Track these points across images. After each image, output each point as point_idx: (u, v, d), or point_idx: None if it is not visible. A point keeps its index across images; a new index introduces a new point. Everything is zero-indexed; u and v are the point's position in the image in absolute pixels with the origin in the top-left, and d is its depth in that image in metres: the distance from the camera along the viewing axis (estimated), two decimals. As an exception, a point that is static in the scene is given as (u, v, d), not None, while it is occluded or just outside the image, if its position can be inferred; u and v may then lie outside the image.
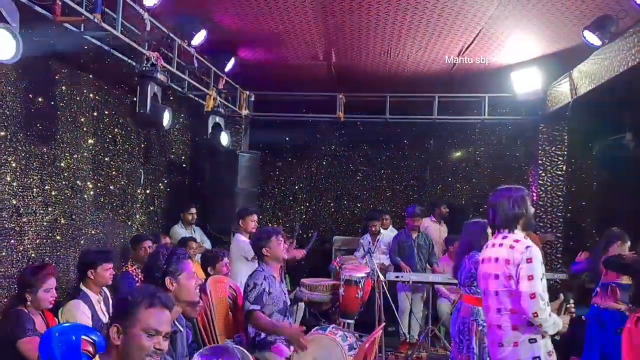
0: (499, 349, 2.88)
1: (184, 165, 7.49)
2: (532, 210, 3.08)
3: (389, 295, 5.85)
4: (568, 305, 3.14)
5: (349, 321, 5.29)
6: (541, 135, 7.49)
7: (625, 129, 7.74)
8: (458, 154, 8.95)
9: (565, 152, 7.50)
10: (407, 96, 7.71)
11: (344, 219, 9.14)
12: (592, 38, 5.13)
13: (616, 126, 7.77)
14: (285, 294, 4.11)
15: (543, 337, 2.85)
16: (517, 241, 2.91)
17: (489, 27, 5.49)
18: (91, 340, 2.45)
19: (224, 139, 6.70)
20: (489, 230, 4.09)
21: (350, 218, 9.09)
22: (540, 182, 7.45)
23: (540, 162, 7.46)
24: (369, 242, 6.91)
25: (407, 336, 6.45)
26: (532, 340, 2.83)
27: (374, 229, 6.93)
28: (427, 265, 6.73)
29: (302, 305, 5.99)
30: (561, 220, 7.47)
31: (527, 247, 2.85)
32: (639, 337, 4.32)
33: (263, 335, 3.93)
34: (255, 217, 5.58)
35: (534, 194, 7.57)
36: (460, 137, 8.80)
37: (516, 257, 2.83)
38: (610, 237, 5.24)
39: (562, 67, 6.41)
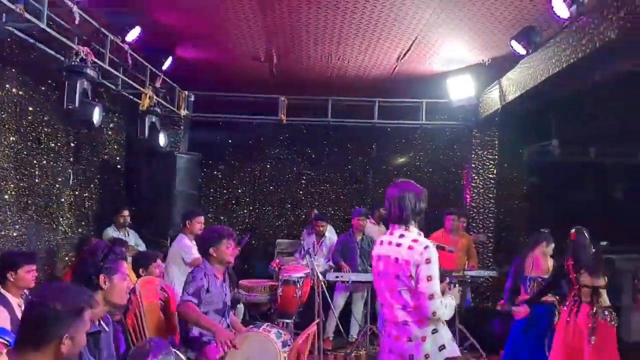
0: (407, 344, 2.89)
1: (118, 166, 7.28)
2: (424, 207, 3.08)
3: (327, 295, 5.92)
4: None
5: (287, 321, 5.31)
6: (474, 140, 7.81)
7: (551, 136, 8.20)
8: (400, 159, 9.14)
9: (496, 157, 7.83)
10: (349, 100, 7.82)
11: (287, 223, 9.13)
12: (519, 47, 5.38)
13: (543, 133, 8.20)
14: (226, 294, 4.07)
15: (442, 325, 2.93)
16: (415, 241, 2.91)
17: (424, 34, 5.66)
18: (5, 342, 2.35)
19: (162, 139, 6.54)
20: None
21: (294, 221, 9.10)
22: (473, 185, 7.74)
23: (473, 165, 7.76)
24: (313, 243, 6.94)
25: (331, 335, 6.51)
26: (435, 331, 2.88)
27: (320, 229, 6.96)
28: (369, 267, 6.83)
29: (241, 307, 5.96)
30: (492, 221, 7.78)
31: (426, 247, 2.87)
32: (572, 330, 4.60)
33: (196, 333, 3.88)
34: (202, 219, 5.43)
35: (468, 197, 7.86)
36: (401, 142, 9.00)
37: (416, 258, 2.84)
38: (537, 238, 5.53)
39: (494, 74, 6.70)
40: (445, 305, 2.86)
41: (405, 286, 2.87)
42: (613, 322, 4.52)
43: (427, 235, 6.38)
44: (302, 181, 9.16)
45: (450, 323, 6.43)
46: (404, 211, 2.97)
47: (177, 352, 3.38)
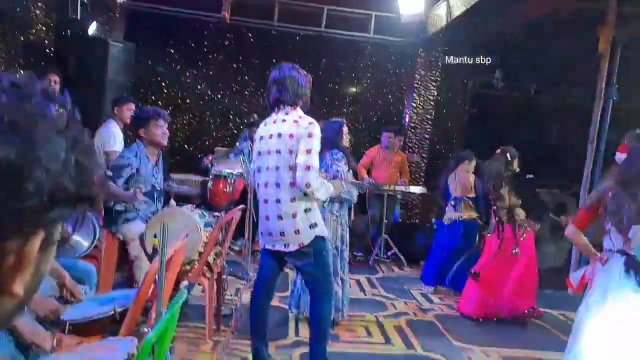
0: (278, 221, 2.93)
1: (46, 50, 6.85)
2: (309, 95, 3.11)
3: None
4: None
5: (216, 214, 5.30)
6: (419, 60, 7.82)
7: (495, 68, 8.31)
8: (346, 73, 9.01)
9: (439, 79, 7.89)
10: (296, 4, 7.55)
11: (228, 134, 9.00)
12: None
13: (488, 64, 8.29)
14: (158, 179, 4.02)
15: (316, 207, 3.00)
16: (301, 117, 2.96)
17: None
18: None
19: (93, 25, 6.17)
20: (345, 129, 4.27)
21: (235, 132, 8.98)
22: (413, 104, 7.83)
23: (415, 85, 7.81)
24: (248, 149, 6.86)
25: None
26: (307, 210, 2.94)
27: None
28: None
29: (173, 202, 5.91)
30: (427, 142, 7.96)
31: (311, 123, 2.92)
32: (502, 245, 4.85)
33: (121, 208, 3.85)
34: (132, 106, 5.16)
35: (407, 117, 7.97)
36: (348, 54, 8.79)
37: (300, 131, 2.88)
38: (459, 157, 5.74)
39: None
40: (322, 183, 2.93)
41: (285, 162, 2.90)
42: (533, 227, 4.92)
43: (363, 151, 6.47)
44: (246, 92, 8.98)
45: (377, 233, 6.72)
46: (289, 93, 2.99)
47: (95, 223, 3.38)
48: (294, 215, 2.92)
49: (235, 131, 8.90)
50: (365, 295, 5.15)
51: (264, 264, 3.21)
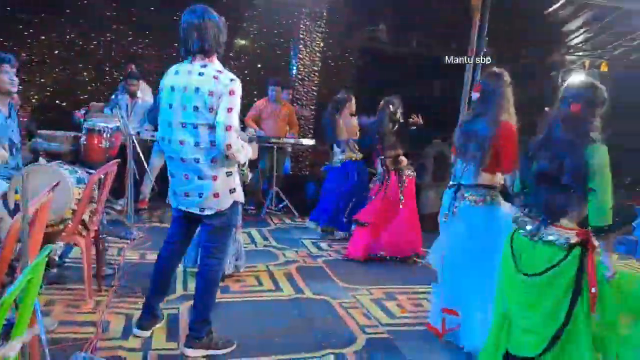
0: (198, 182, 2.75)
1: None
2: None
3: (142, 156, 5.69)
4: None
5: (91, 171, 4.98)
6: (304, 10, 7.73)
7: (381, 20, 8.45)
8: (233, 23, 8.68)
9: (325, 29, 7.88)
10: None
11: (104, 88, 8.40)
12: None
13: (373, 18, 8.41)
14: (13, 130, 3.65)
15: (236, 171, 2.88)
16: (220, 72, 2.70)
17: None
18: None
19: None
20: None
21: (111, 85, 8.39)
22: (300, 56, 7.78)
23: (301, 36, 7.74)
24: (127, 103, 6.47)
25: (148, 196, 6.38)
26: (229, 174, 2.81)
27: (133, 88, 6.43)
28: None
29: (41, 160, 5.45)
30: (315, 94, 8.00)
31: (232, 79, 2.69)
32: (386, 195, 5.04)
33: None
34: None
35: (294, 68, 7.92)
36: (232, 5, 8.46)
37: (220, 88, 2.65)
38: (339, 101, 5.85)
39: None
40: (242, 145, 2.78)
41: (204, 120, 2.68)
42: (412, 173, 5.17)
43: (251, 103, 6.35)
44: (123, 42, 8.39)
45: (268, 186, 6.72)
46: (207, 42, 2.70)
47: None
48: (215, 178, 2.77)
49: (111, 83, 8.34)
50: (257, 247, 5.16)
51: (177, 223, 3.04)
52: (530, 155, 2.44)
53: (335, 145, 5.87)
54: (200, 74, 2.70)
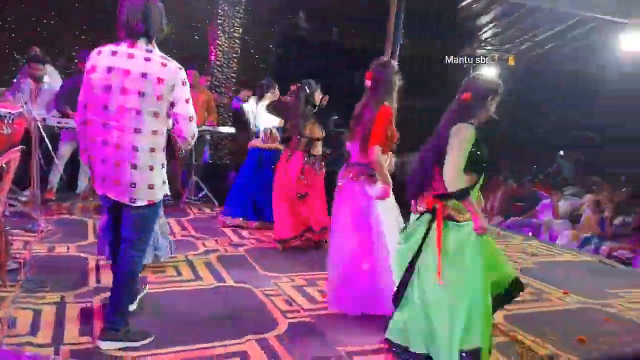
0: (132, 171, 2.63)
1: None
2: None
3: (49, 144, 5.38)
4: None
5: (-8, 160, 4.64)
6: (221, -7, 7.59)
7: (300, 8, 8.46)
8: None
9: (243, 15, 7.78)
10: None
11: (7, 69, 7.81)
12: None
13: (294, 4, 8.41)
14: None
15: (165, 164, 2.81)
16: (166, 59, 2.63)
17: None
18: None
19: None
20: None
21: (15, 68, 7.83)
22: (218, 42, 7.65)
23: (219, 21, 7.60)
24: (30, 89, 6.06)
25: (55, 186, 6.07)
26: (163, 166, 2.76)
27: (38, 72, 5.99)
28: None
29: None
30: (234, 80, 7.90)
31: (180, 68, 2.65)
32: (288, 170, 5.02)
33: None
34: None
35: (213, 54, 7.77)
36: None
37: (170, 77, 2.58)
38: (266, 87, 5.82)
39: None
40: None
41: (150, 107, 2.57)
42: (319, 169, 5.10)
43: None
44: (23, 25, 7.83)
45: (187, 175, 6.57)
46: (151, 26, 2.61)
47: None
48: (151, 168, 2.67)
49: (14, 68, 7.77)
50: (175, 237, 5.03)
51: (111, 214, 2.85)
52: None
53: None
54: (147, 59, 2.59)
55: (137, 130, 2.59)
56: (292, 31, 9.39)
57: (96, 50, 2.67)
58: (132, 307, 3.14)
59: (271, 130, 5.70)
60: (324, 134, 5.25)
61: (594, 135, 12.73)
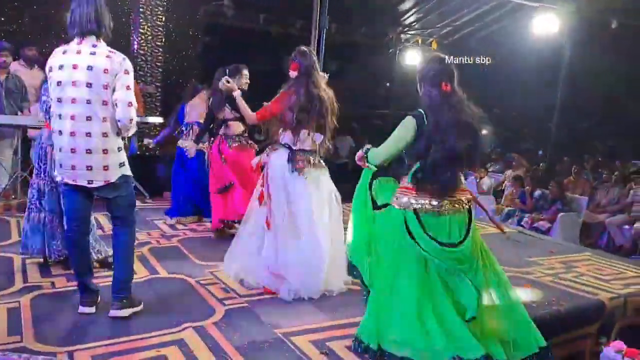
0: (86, 155, 2.88)
1: None
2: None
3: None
4: None
5: None
6: (142, -20, 7.40)
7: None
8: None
9: (165, 3, 7.62)
10: None
11: None
12: None
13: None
14: None
15: (123, 148, 3.05)
16: (112, 51, 2.91)
17: None
18: None
19: None
20: None
21: None
22: (141, 31, 7.47)
23: (141, 10, 7.41)
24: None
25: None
26: (120, 149, 2.99)
27: None
28: (18, 109, 6.04)
29: None
30: (160, 70, 7.75)
31: (124, 58, 2.92)
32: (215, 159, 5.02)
33: None
34: None
35: (135, 44, 7.57)
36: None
37: (114, 67, 2.85)
38: (197, 87, 5.76)
39: None
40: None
41: (98, 96, 2.84)
42: (245, 144, 5.05)
43: None
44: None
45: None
46: (101, 25, 2.91)
47: None
48: (105, 152, 2.91)
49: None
50: (104, 231, 4.92)
51: (71, 199, 3.07)
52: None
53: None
54: (92, 53, 2.86)
55: (88, 118, 2.86)
56: (217, 19, 9.27)
57: (53, 53, 2.96)
58: None
59: (192, 126, 5.62)
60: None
61: (515, 112, 13.52)
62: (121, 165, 2.99)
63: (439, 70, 2.74)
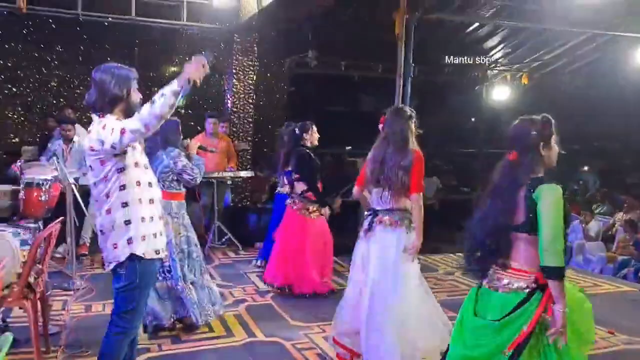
0: (100, 236, 2.68)
1: None
2: (136, 96, 2.67)
3: (80, 200, 5.63)
4: None
5: (32, 225, 4.92)
6: (235, 46, 7.97)
7: (309, 47, 8.75)
8: (163, 61, 8.80)
9: (256, 63, 8.11)
10: (101, -8, 7.17)
11: (35, 128, 8.25)
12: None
13: (302, 45, 8.70)
14: None
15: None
16: (99, 123, 2.56)
17: None
18: None
19: None
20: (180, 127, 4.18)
21: (43, 127, 8.25)
22: (234, 90, 7.96)
23: (234, 71, 7.94)
24: (62, 149, 6.37)
25: (88, 241, 6.25)
26: (128, 223, 2.60)
27: (68, 133, 6.32)
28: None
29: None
30: (252, 125, 8.18)
31: (100, 121, 2.56)
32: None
33: None
34: None
35: (229, 102, 8.09)
36: (163, 43, 8.62)
37: (97, 136, 2.51)
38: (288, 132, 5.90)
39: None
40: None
41: (100, 174, 2.56)
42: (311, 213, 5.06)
43: (188, 136, 6.20)
44: (53, 83, 8.29)
45: (210, 221, 6.76)
46: (96, 100, 2.61)
47: None
48: (112, 228, 2.61)
49: (40, 123, 8.22)
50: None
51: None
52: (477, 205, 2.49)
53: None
54: (89, 131, 2.63)
55: (96, 200, 2.66)
56: (302, 69, 9.66)
57: None
58: None
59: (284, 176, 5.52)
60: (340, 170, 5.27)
61: (617, 145, 12.75)
62: (130, 242, 2.60)
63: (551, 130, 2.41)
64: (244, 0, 7.32)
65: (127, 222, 2.58)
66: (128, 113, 2.61)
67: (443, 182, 11.63)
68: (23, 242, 3.55)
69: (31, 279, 3.57)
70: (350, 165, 10.12)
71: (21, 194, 4.89)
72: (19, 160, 5.66)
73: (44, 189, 4.97)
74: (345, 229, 5.87)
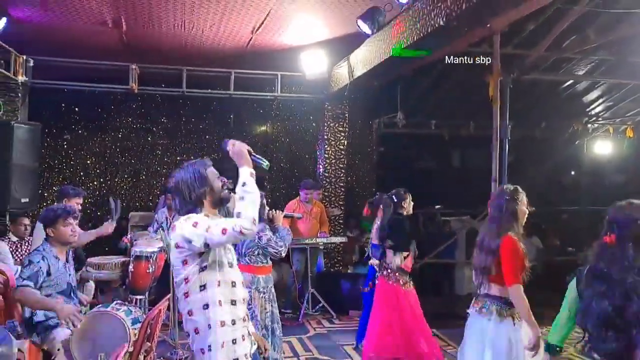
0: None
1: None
2: (218, 183, 2.59)
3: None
4: None
5: (139, 297, 5.22)
6: (326, 113, 8.22)
7: (397, 109, 8.83)
8: (258, 130, 9.30)
9: (347, 129, 8.31)
10: (204, 70, 7.74)
11: (142, 195, 8.91)
12: (364, 27, 5.75)
13: (390, 106, 8.80)
14: (70, 275, 3.98)
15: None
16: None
17: (277, 8, 5.76)
18: None
19: (-6, 108, 5.96)
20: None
21: (148, 193, 8.90)
22: (325, 156, 8.16)
23: (325, 137, 8.16)
24: (165, 217, 6.79)
25: None
26: (223, 324, 2.46)
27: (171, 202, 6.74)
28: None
29: (91, 284, 5.73)
30: (343, 189, 8.28)
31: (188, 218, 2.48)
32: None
33: (41, 317, 3.75)
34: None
35: (320, 167, 8.27)
36: (258, 113, 9.15)
37: (181, 232, 2.43)
38: (384, 202, 5.87)
39: (344, 50, 7.01)
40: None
41: (180, 274, 2.46)
42: (399, 283, 4.85)
43: (283, 204, 6.41)
44: (158, 151, 8.95)
45: (303, 287, 6.80)
46: (178, 203, 2.60)
47: (10, 334, 3.24)
48: (196, 331, 2.52)
49: (147, 191, 8.86)
50: (300, 359, 5.21)
51: None
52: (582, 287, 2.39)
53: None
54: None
55: (178, 300, 2.54)
56: (391, 129, 9.70)
57: None
58: None
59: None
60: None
61: None
62: (223, 345, 2.46)
63: None
64: (335, 72, 7.57)
65: (209, 327, 2.44)
66: (216, 203, 2.59)
67: (545, 242, 11.00)
68: (135, 321, 3.72)
69: (141, 357, 3.76)
70: (444, 225, 9.84)
71: (131, 267, 5.21)
72: (129, 233, 6.07)
73: (151, 261, 5.27)
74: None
